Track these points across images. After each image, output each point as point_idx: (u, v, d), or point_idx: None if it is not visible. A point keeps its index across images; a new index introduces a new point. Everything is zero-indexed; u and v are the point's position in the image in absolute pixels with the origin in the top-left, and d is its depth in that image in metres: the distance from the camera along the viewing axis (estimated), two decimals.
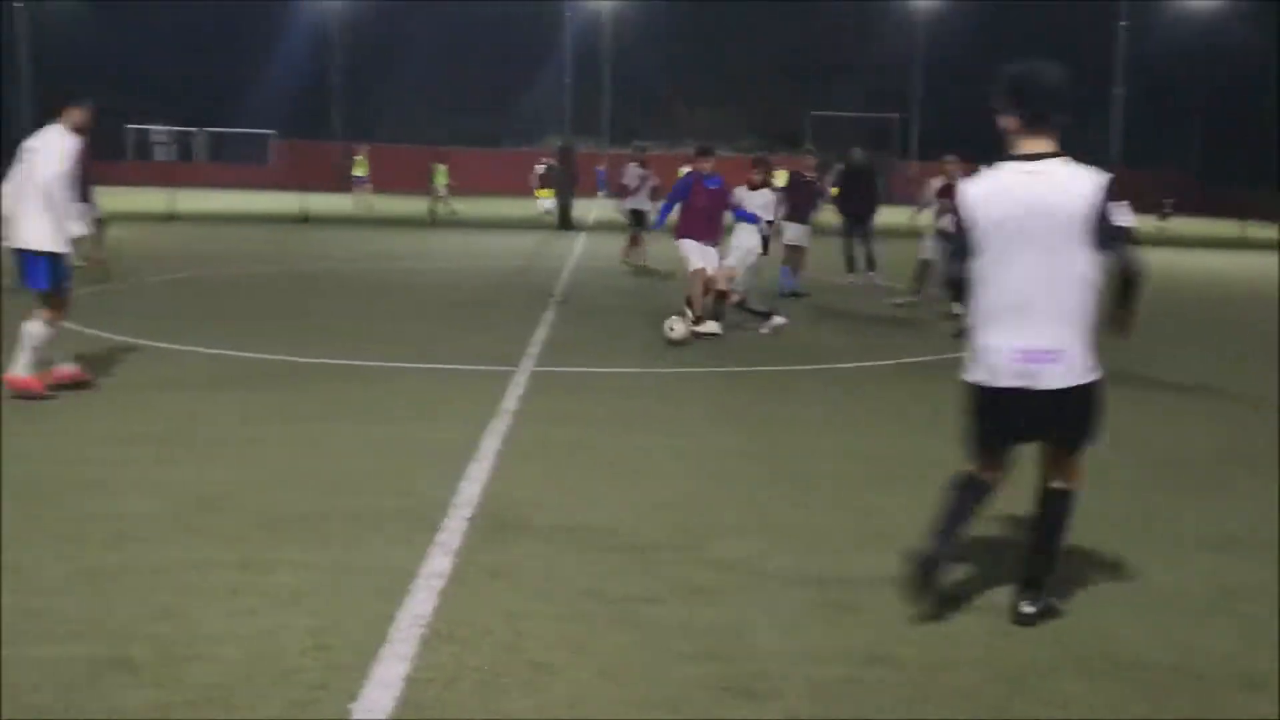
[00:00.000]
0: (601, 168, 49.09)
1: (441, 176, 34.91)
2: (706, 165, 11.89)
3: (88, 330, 11.03)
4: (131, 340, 10.44)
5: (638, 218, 19.36)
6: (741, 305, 12.11)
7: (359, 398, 8.31)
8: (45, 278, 7.69)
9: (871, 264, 17.08)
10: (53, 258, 7.65)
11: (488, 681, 3.72)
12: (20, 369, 7.68)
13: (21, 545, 4.91)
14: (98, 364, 9.41)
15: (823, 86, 60.76)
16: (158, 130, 50.70)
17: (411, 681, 3.69)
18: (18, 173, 7.65)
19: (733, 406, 8.44)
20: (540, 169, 34.70)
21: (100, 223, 19.03)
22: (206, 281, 15.74)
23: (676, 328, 11.01)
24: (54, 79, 39.54)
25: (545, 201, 33.52)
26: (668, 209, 12.35)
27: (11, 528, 5.14)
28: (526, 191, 36.77)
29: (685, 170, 14.46)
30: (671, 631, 4.16)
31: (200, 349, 9.98)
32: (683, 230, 11.89)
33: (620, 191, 20.04)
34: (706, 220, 11.77)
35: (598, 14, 54.63)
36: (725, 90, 65.26)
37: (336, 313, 13.21)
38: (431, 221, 32.48)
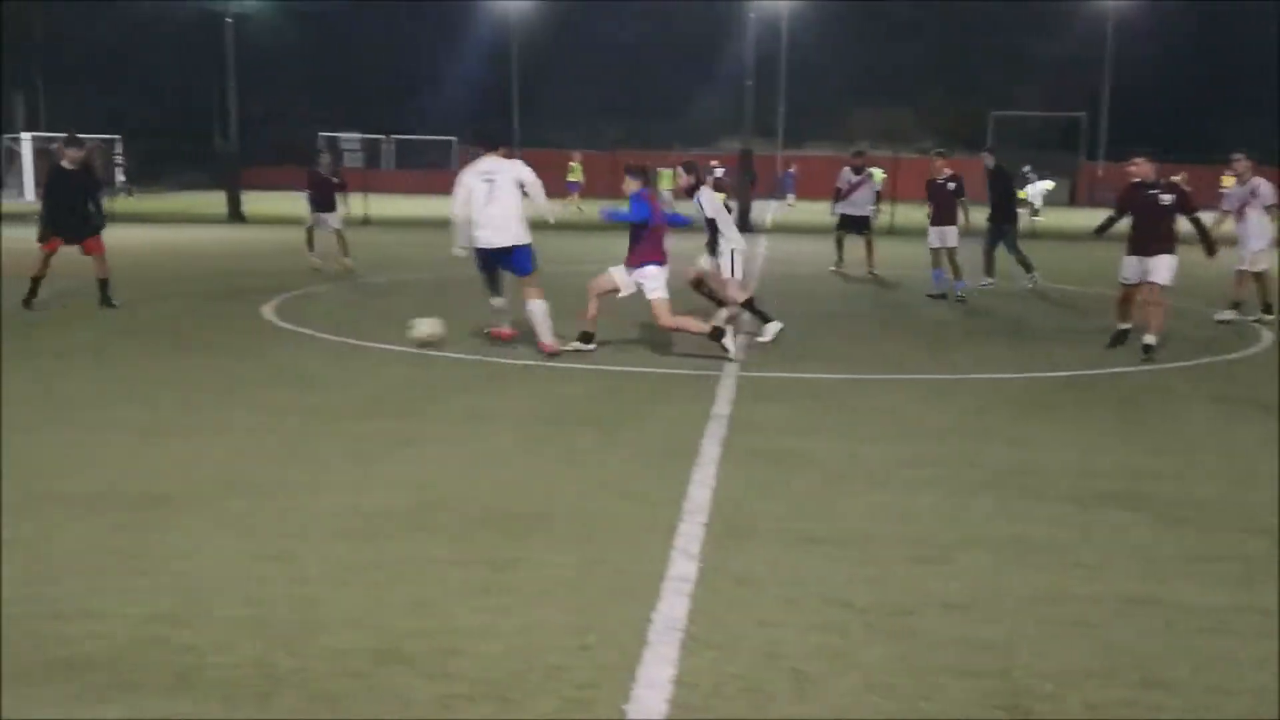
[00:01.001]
0: (792, 170, 48.95)
1: (668, 180, 35.52)
2: (633, 185, 10.15)
3: (322, 335, 11.55)
4: (354, 341, 10.91)
5: (851, 222, 18.80)
6: (749, 306, 11.49)
7: (572, 399, 8.47)
8: (530, 261, 10.28)
9: (1027, 267, 16.66)
10: (529, 247, 10.29)
11: (752, 689, 3.73)
12: (547, 337, 10.12)
13: (286, 537, 5.17)
14: (324, 367, 9.83)
15: (1006, 84, 59.15)
16: (348, 138, 52.80)
17: (678, 685, 3.74)
18: (487, 193, 10.12)
19: (936, 413, 8.27)
20: (717, 173, 34.85)
21: (339, 232, 19.71)
22: (415, 284, 16.28)
23: (436, 331, 10.42)
24: (253, 86, 41.57)
25: None
26: (620, 217, 10.47)
27: (272, 523, 5.42)
28: None
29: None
30: (932, 644, 4.09)
31: (414, 350, 10.32)
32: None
33: (834, 195, 19.33)
34: (638, 244, 10.28)
35: (777, 15, 54.37)
36: (901, 90, 64.13)
37: None
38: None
